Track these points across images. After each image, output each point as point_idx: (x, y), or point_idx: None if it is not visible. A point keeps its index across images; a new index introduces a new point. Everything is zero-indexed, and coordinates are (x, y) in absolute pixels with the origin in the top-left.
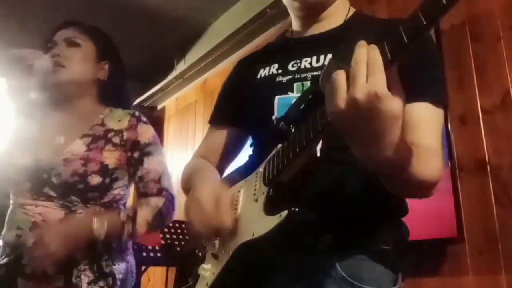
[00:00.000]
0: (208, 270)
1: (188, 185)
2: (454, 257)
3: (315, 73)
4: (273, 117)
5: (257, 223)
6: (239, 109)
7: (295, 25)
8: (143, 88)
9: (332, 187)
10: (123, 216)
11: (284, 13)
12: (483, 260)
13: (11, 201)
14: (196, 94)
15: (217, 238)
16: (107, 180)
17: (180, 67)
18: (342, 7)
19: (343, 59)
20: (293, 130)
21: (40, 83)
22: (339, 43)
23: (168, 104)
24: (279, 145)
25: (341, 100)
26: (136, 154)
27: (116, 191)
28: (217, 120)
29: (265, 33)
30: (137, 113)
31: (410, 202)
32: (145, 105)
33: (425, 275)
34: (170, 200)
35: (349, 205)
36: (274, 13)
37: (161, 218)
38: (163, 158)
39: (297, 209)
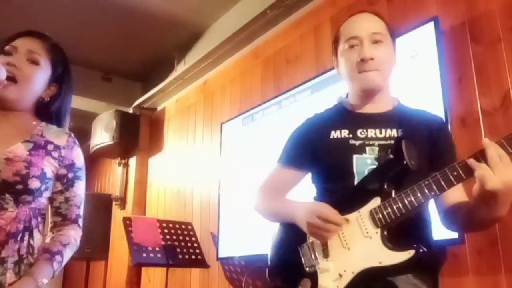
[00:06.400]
0: (330, 282)
1: (281, 217)
2: (454, 257)
3: (381, 142)
4: (354, 171)
5: (382, 255)
6: (308, 157)
7: (354, 99)
8: (143, 89)
9: (412, 224)
10: (55, 264)
11: (284, 14)
12: (483, 260)
13: None
14: (196, 95)
15: (328, 258)
16: (43, 188)
17: (180, 68)
18: (389, 94)
19: (411, 141)
20: (385, 187)
21: None
22: (394, 123)
23: (168, 105)
24: (378, 198)
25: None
26: (70, 175)
27: (43, 200)
28: (288, 162)
29: (265, 34)
30: (72, 135)
31: None
32: (145, 106)
33: None
34: (80, 230)
35: (420, 234)
36: (273, 14)
37: (75, 250)
38: (84, 184)
39: (421, 248)
